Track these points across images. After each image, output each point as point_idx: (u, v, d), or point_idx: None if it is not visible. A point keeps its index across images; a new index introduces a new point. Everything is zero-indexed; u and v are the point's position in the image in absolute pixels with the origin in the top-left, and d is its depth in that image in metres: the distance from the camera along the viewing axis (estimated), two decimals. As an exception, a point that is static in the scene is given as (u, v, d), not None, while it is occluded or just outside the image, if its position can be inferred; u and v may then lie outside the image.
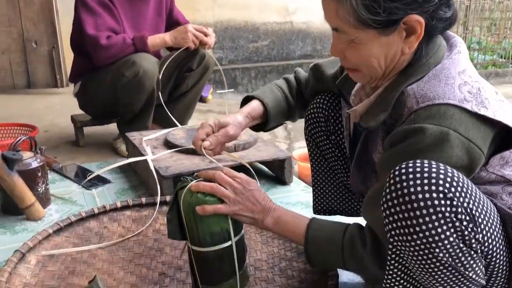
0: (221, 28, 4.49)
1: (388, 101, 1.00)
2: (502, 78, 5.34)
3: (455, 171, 0.85)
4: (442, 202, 0.82)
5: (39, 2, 3.94)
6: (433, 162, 0.85)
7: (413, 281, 0.94)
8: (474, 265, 0.86)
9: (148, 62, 2.24)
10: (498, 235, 0.88)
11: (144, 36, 2.28)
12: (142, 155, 1.91)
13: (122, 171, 2.14)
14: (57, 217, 1.72)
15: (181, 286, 1.26)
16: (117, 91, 2.28)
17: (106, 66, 2.27)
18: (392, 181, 0.86)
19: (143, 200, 1.67)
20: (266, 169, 2.13)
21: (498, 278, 0.91)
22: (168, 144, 2.03)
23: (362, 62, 1.00)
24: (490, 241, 0.86)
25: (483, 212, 0.86)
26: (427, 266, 0.86)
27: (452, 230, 0.82)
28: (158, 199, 1.64)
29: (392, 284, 0.95)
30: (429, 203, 0.82)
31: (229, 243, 1.12)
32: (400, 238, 0.86)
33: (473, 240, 0.84)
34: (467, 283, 0.87)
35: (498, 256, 0.88)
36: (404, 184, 0.84)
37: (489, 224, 0.86)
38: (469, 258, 0.85)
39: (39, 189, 1.74)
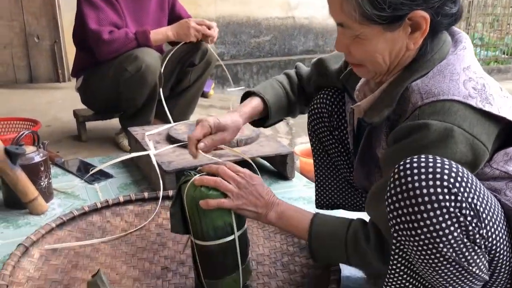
0: (223, 23, 4.48)
1: (392, 97, 1.00)
2: (505, 74, 5.33)
3: (459, 166, 0.85)
4: (447, 197, 0.82)
5: (41, -4, 3.95)
6: (438, 158, 0.85)
7: (416, 276, 0.94)
8: (478, 260, 0.86)
9: (150, 57, 2.24)
10: (502, 231, 0.88)
11: (147, 31, 2.27)
12: (145, 150, 1.91)
13: (124, 166, 2.14)
14: (59, 211, 1.72)
15: (184, 280, 1.27)
16: (119, 85, 2.28)
17: (108, 60, 2.27)
18: (396, 176, 0.86)
19: (146, 194, 1.67)
20: (268, 164, 2.14)
21: (501, 273, 0.91)
22: (170, 139, 2.03)
23: (367, 57, 1.00)
24: (494, 236, 0.86)
25: (487, 208, 0.86)
26: (430, 261, 0.86)
27: (456, 225, 0.83)
28: (161, 193, 1.64)
29: (395, 279, 0.95)
30: (433, 198, 0.82)
31: (232, 237, 1.12)
32: (404, 233, 0.86)
33: (477, 236, 0.84)
34: (471, 278, 0.88)
35: (501, 252, 0.88)
36: (409, 179, 0.84)
37: (493, 220, 0.86)
38: (472, 253, 0.85)
39: (42, 184, 1.74)
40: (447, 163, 0.84)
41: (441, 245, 0.83)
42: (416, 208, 0.83)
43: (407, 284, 0.95)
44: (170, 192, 1.68)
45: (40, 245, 1.37)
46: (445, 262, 0.85)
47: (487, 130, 0.92)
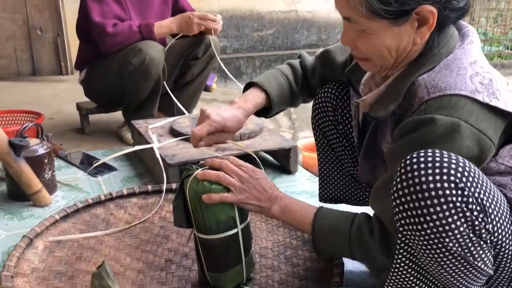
0: (226, 17, 4.46)
1: (398, 91, 0.99)
2: (508, 70, 5.30)
3: (466, 161, 0.85)
4: (454, 192, 0.82)
5: (44, -11, 3.93)
6: (445, 152, 0.85)
7: (421, 270, 0.94)
8: (483, 255, 0.86)
9: (154, 49, 2.24)
10: (508, 225, 0.88)
11: (151, 24, 2.27)
12: (148, 143, 1.91)
13: (127, 159, 2.15)
14: (63, 204, 1.73)
15: (187, 272, 1.27)
16: (123, 78, 2.28)
17: (112, 53, 2.27)
18: (403, 170, 0.86)
19: (149, 187, 1.67)
20: (271, 158, 2.14)
21: (506, 268, 0.91)
22: (173, 133, 2.03)
23: (373, 52, 1.00)
24: (499, 231, 0.86)
25: (494, 203, 0.86)
26: (436, 255, 0.86)
27: (462, 220, 0.82)
28: (164, 186, 1.65)
29: (400, 273, 0.95)
30: (440, 192, 0.82)
31: (235, 230, 1.12)
32: (410, 227, 0.86)
33: (483, 230, 0.84)
34: (475, 273, 0.87)
35: (507, 246, 0.88)
36: (416, 173, 0.83)
37: (499, 215, 0.86)
38: (478, 248, 0.85)
39: (46, 176, 1.75)
40: (454, 157, 0.84)
41: (447, 239, 0.83)
42: (422, 203, 0.83)
43: (412, 278, 0.95)
44: (174, 185, 1.68)
45: (45, 237, 1.38)
46: (450, 257, 0.85)
47: (493, 125, 0.92)
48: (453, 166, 0.83)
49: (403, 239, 0.91)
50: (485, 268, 0.87)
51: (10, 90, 3.58)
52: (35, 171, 1.68)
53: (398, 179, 0.86)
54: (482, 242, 0.85)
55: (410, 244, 0.91)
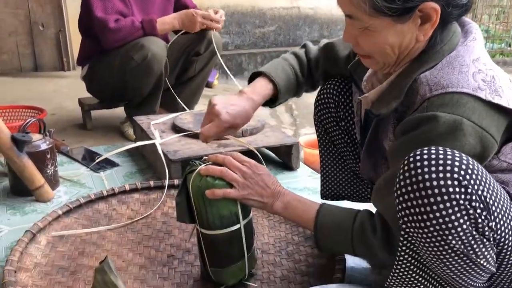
0: (227, 13, 4.45)
1: (400, 88, 0.99)
2: (510, 67, 5.28)
3: (470, 158, 0.85)
4: (457, 189, 0.82)
5: (45, -16, 3.93)
6: (448, 149, 0.85)
7: (423, 267, 0.94)
8: (486, 253, 0.86)
9: (156, 45, 2.24)
10: (511, 223, 0.88)
11: (153, 20, 2.27)
12: (150, 139, 1.91)
13: (130, 154, 2.15)
14: (65, 199, 1.73)
15: (190, 268, 1.28)
16: (125, 74, 2.28)
17: (114, 49, 2.27)
18: (406, 168, 0.86)
19: (152, 183, 1.68)
20: (273, 154, 2.14)
21: (509, 265, 0.91)
22: (175, 129, 2.03)
23: (376, 49, 0.99)
24: (502, 229, 0.86)
25: (497, 200, 0.86)
26: (438, 252, 0.86)
27: (465, 218, 0.83)
28: (166, 182, 1.65)
29: (402, 270, 0.95)
30: (443, 190, 0.82)
31: (237, 226, 1.13)
32: (413, 224, 0.86)
33: (486, 228, 0.84)
34: (478, 270, 0.88)
35: (509, 244, 0.88)
36: (419, 170, 0.83)
37: (502, 212, 0.86)
38: (481, 246, 0.85)
39: (48, 171, 1.75)
40: (458, 155, 0.84)
41: (450, 237, 0.83)
42: (425, 200, 0.83)
43: (414, 275, 0.95)
44: (176, 181, 1.69)
45: (47, 232, 1.39)
46: (453, 254, 0.85)
47: (496, 123, 0.92)
48: (457, 163, 0.83)
49: (406, 236, 0.91)
50: (488, 265, 0.87)
51: (12, 85, 3.59)
52: (37, 167, 1.68)
53: (402, 176, 0.86)
54: (485, 240, 0.85)
55: (413, 241, 0.91)
